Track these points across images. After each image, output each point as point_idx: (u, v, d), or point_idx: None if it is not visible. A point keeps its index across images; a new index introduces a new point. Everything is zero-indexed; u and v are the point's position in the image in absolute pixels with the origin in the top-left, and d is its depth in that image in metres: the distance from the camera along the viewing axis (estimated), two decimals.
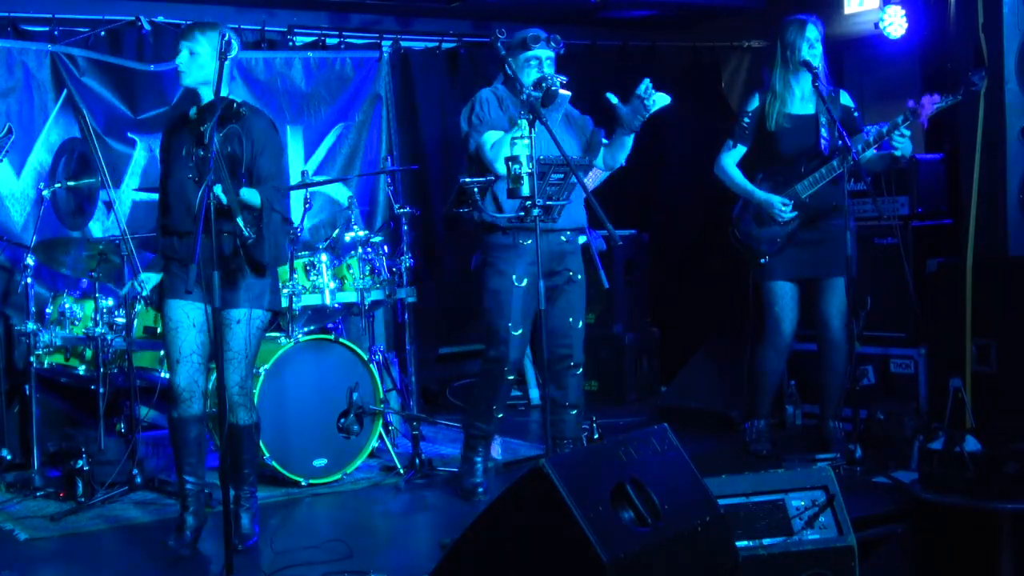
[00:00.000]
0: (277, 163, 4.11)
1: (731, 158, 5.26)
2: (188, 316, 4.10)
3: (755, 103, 5.20)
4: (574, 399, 4.80)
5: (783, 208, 5.08)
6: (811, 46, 5.03)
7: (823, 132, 5.08)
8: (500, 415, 4.85)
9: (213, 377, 4.13)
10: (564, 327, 4.74)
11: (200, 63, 4.05)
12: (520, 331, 4.67)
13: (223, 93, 3.96)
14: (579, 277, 4.79)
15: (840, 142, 4.85)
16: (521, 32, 4.68)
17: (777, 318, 5.20)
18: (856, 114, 5.15)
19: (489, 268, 4.70)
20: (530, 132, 4.09)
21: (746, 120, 5.20)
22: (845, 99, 5.17)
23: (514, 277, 4.63)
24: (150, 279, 4.30)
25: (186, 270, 4.03)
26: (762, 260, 5.19)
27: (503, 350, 4.67)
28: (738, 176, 5.24)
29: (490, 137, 4.57)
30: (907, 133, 4.88)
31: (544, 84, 4.41)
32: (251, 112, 4.13)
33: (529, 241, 4.57)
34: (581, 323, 4.80)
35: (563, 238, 4.72)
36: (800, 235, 5.14)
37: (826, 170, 5.02)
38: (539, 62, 4.63)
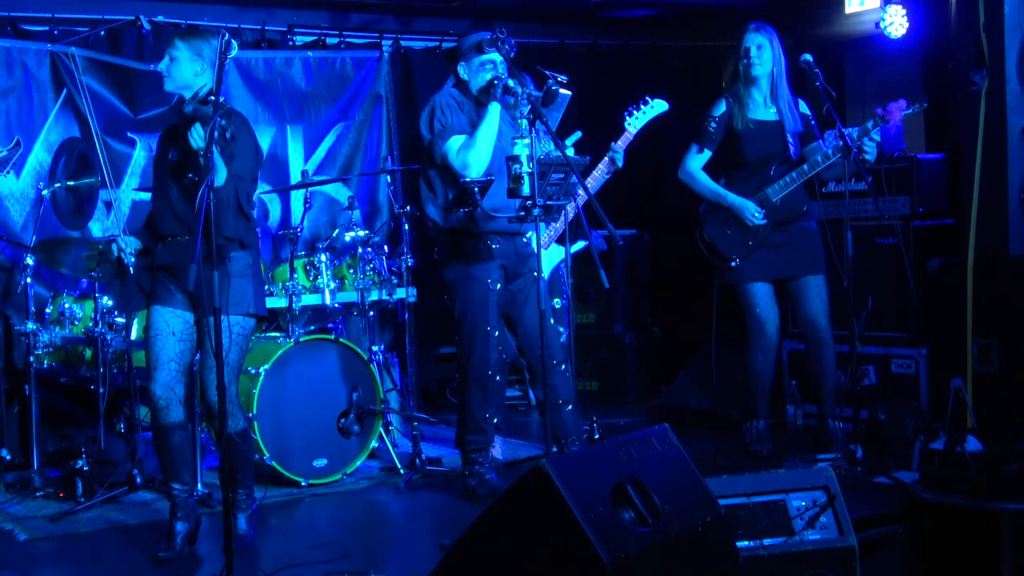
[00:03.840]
0: (245, 162, 4.08)
1: (697, 162, 5.31)
2: (168, 324, 4.09)
3: (722, 108, 5.25)
4: (565, 395, 4.78)
5: (755, 214, 5.12)
6: (747, 56, 5.12)
7: (789, 138, 5.14)
8: (496, 420, 4.83)
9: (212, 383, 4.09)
10: (538, 328, 4.73)
11: (180, 69, 4.07)
12: (497, 333, 4.71)
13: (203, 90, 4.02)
14: (543, 275, 4.81)
15: (826, 142, 4.91)
16: (474, 35, 4.71)
17: (760, 319, 5.22)
18: (813, 122, 5.20)
19: (460, 274, 4.71)
20: (530, 132, 4.10)
21: (712, 125, 5.24)
22: (803, 108, 5.25)
23: (488, 281, 4.64)
24: (131, 242, 4.19)
25: (172, 277, 4.06)
26: (733, 263, 5.22)
27: (484, 354, 4.67)
28: (706, 180, 5.29)
29: (455, 143, 4.58)
30: (876, 138, 4.99)
31: (497, 83, 4.52)
32: (231, 111, 4.13)
33: (497, 245, 4.64)
34: (552, 320, 4.81)
35: (525, 239, 4.75)
36: (771, 237, 5.17)
37: (797, 174, 5.11)
38: (493, 65, 4.63)
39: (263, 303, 4.26)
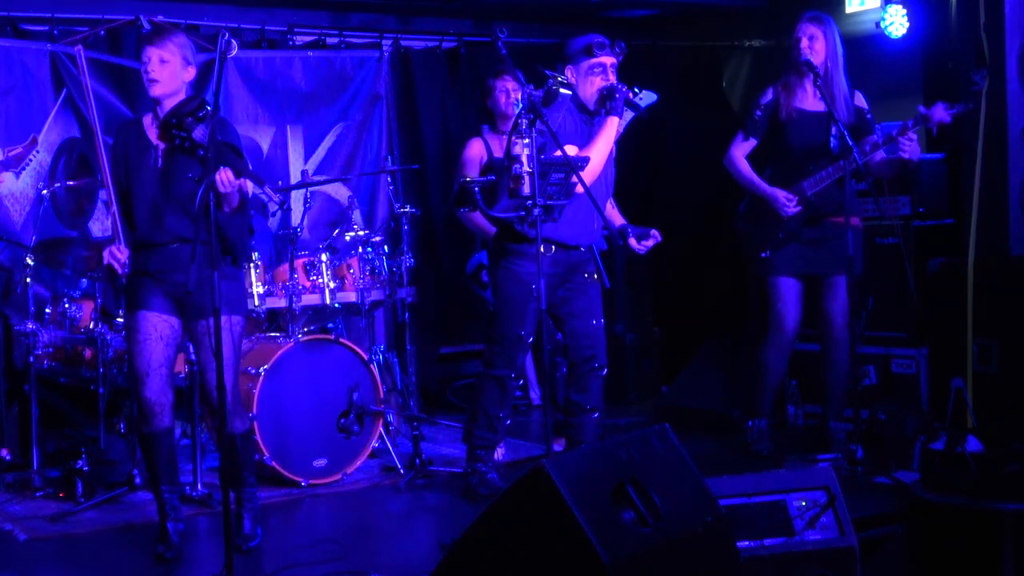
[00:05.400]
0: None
1: (741, 150, 5.25)
2: (156, 329, 4.05)
3: (769, 96, 5.19)
4: (595, 402, 4.75)
5: (787, 203, 5.08)
6: (797, 46, 5.04)
7: (832, 131, 5.06)
8: (508, 422, 4.82)
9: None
10: (587, 328, 4.69)
11: (173, 71, 3.99)
12: (531, 339, 4.68)
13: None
14: (595, 277, 4.77)
15: (848, 142, 4.86)
16: (582, 39, 4.54)
17: (780, 315, 5.19)
18: (868, 116, 5.14)
19: (507, 274, 4.63)
20: (530, 131, 4.08)
21: (758, 113, 5.19)
22: (859, 100, 5.16)
23: (533, 287, 4.58)
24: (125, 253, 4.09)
25: (158, 281, 4.03)
26: (763, 255, 5.18)
27: (513, 355, 4.63)
28: (745, 168, 5.23)
29: (567, 152, 4.37)
30: (915, 138, 4.88)
31: (616, 94, 4.38)
32: (221, 120, 4.09)
33: (551, 252, 4.52)
34: (603, 322, 4.77)
35: (582, 249, 4.70)
36: (804, 232, 5.14)
37: (833, 169, 5.02)
38: (604, 68, 4.49)
39: (248, 302, 4.31)
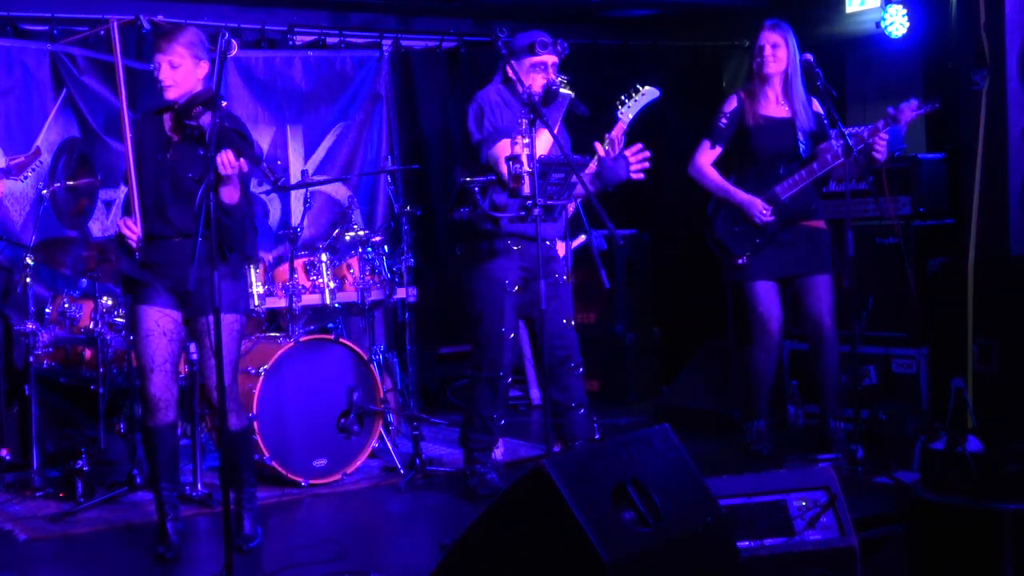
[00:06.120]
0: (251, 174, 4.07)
1: (707, 158, 5.29)
2: (159, 324, 4.05)
3: (733, 104, 5.23)
4: (579, 398, 4.78)
5: (763, 211, 5.11)
6: (760, 54, 5.11)
7: (800, 136, 5.12)
8: (503, 422, 4.83)
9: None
10: (560, 328, 4.72)
11: (186, 73, 4.02)
12: (513, 335, 4.69)
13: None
14: (565, 279, 4.79)
15: (849, 142, 4.90)
16: (526, 36, 4.61)
17: (763, 318, 5.21)
18: (825, 121, 5.20)
19: (479, 273, 4.67)
20: (530, 131, 4.08)
21: (723, 121, 5.23)
22: (816, 106, 5.24)
23: (507, 283, 4.62)
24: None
25: (159, 276, 4.03)
26: (740, 261, 5.21)
27: (499, 355, 4.66)
28: (715, 177, 5.28)
29: (504, 149, 4.46)
30: (887, 137, 4.98)
31: (552, 90, 4.41)
32: (231, 115, 4.10)
33: (519, 247, 4.60)
34: (573, 322, 4.80)
35: (548, 243, 4.70)
36: (779, 236, 5.16)
37: (806, 172, 5.09)
38: (545, 67, 4.56)
39: (249, 302, 4.32)
